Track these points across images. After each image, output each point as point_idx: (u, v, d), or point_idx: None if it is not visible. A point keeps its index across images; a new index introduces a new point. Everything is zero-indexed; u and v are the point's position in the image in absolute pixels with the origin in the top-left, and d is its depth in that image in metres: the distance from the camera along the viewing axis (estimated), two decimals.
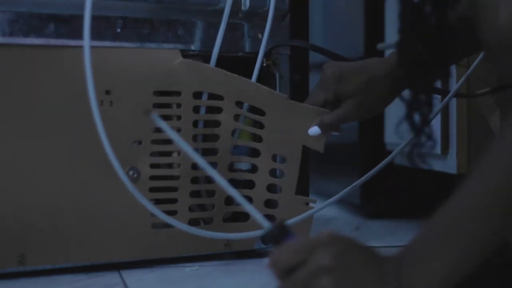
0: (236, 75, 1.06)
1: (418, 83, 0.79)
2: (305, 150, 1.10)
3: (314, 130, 1.05)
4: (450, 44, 0.79)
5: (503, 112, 1.04)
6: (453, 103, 1.24)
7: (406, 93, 0.82)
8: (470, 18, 0.71)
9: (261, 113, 1.08)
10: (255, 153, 1.10)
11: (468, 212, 0.64)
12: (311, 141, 1.08)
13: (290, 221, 1.05)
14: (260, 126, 1.09)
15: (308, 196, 1.14)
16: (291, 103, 1.08)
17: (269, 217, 1.08)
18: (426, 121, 0.78)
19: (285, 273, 0.65)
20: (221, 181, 0.71)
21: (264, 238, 1.08)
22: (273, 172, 1.10)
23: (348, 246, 0.66)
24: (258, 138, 1.10)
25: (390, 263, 0.65)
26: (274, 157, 1.10)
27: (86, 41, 0.85)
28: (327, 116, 1.04)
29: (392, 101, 1.02)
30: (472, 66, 1.04)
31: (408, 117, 0.78)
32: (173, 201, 1.05)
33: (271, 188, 1.10)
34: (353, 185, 1.09)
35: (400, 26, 0.78)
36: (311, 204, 1.11)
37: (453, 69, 1.23)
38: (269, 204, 1.10)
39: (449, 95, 1.06)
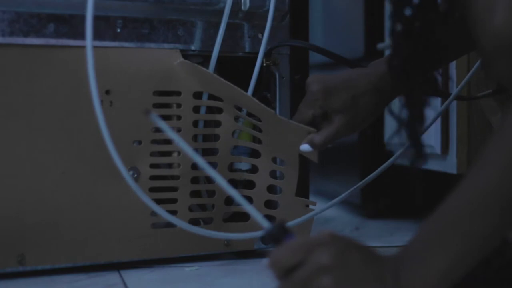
0: (231, 84, 1.06)
1: (409, 96, 0.79)
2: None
3: (306, 147, 1.04)
4: (441, 54, 0.80)
5: (503, 112, 1.04)
6: (453, 103, 1.24)
7: (396, 108, 0.82)
8: (464, 22, 0.71)
9: (258, 118, 1.08)
10: (255, 154, 1.10)
11: (465, 211, 0.64)
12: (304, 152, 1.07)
13: (291, 223, 1.04)
14: (259, 129, 1.09)
15: (308, 197, 1.14)
16: (279, 118, 1.07)
17: (269, 218, 1.08)
18: (417, 136, 0.78)
19: (284, 273, 0.65)
20: (221, 181, 0.71)
21: (264, 238, 1.08)
22: (273, 174, 1.10)
23: (348, 245, 0.66)
24: (258, 140, 1.10)
25: (388, 263, 0.65)
26: (274, 159, 1.10)
27: (89, 41, 0.85)
28: (317, 136, 1.02)
29: (380, 113, 1.02)
30: (473, 69, 1.04)
31: (400, 130, 0.78)
32: (173, 201, 1.05)
33: (271, 189, 1.10)
34: (355, 187, 1.09)
35: (392, 41, 0.78)
36: (311, 207, 1.11)
37: (453, 72, 1.23)
38: (269, 204, 1.10)
39: (450, 98, 1.06)
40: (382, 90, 0.98)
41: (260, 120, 1.08)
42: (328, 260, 0.63)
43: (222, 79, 1.05)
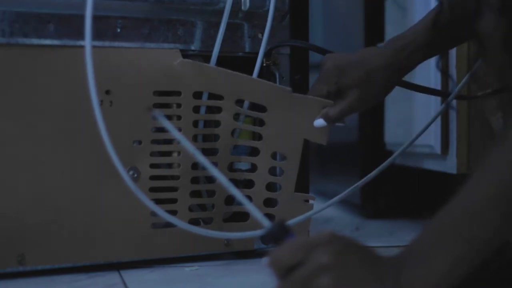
0: (237, 72, 1.06)
1: None
2: (305, 147, 1.10)
3: (320, 122, 1.07)
4: None
5: (505, 114, 1.04)
6: (454, 103, 1.24)
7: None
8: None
9: (262, 109, 1.08)
10: (254, 151, 1.10)
11: (467, 215, 0.64)
12: (314, 134, 1.08)
13: (289, 221, 1.05)
14: (260, 123, 1.09)
15: (308, 194, 1.14)
16: (295, 96, 1.08)
17: (269, 216, 1.08)
18: None
19: (285, 272, 0.65)
20: (223, 180, 0.71)
21: (264, 238, 1.08)
22: (272, 171, 1.10)
23: (347, 245, 0.66)
24: (258, 137, 1.10)
25: (388, 263, 0.65)
26: (273, 155, 1.10)
27: (88, 41, 0.85)
28: (332, 109, 1.06)
29: (392, 90, 1.05)
30: (474, 68, 1.04)
31: None
32: (173, 201, 1.05)
33: (270, 186, 1.10)
34: (354, 186, 1.09)
35: None
36: (310, 202, 1.11)
37: (453, 71, 1.23)
38: (269, 203, 1.10)
39: (450, 97, 1.06)
40: (394, 66, 1.02)
41: (265, 110, 1.08)
42: (328, 260, 0.63)
43: (226, 70, 1.06)
